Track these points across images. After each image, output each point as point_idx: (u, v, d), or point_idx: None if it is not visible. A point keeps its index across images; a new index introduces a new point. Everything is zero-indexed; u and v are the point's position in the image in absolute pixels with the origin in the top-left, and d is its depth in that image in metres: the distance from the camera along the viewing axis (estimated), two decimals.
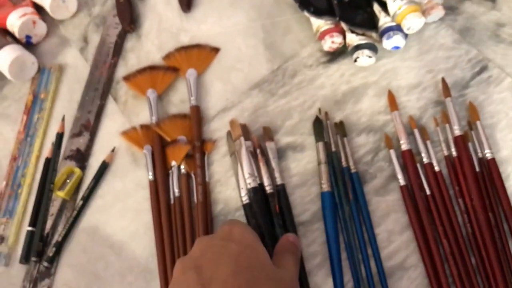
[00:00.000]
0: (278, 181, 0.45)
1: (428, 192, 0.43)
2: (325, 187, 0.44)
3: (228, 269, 0.34)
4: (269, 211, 0.43)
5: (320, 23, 0.49)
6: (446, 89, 0.46)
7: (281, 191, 0.44)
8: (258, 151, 0.45)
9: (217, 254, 0.35)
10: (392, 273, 0.41)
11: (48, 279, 0.46)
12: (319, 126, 0.47)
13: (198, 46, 0.54)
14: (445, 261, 0.41)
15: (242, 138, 0.46)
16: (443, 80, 0.46)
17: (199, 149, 0.48)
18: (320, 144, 0.46)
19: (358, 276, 0.41)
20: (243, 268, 0.34)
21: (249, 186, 0.44)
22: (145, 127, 0.51)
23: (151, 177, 0.48)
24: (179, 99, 0.52)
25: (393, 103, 0.47)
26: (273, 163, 0.45)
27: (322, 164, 0.45)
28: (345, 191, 0.44)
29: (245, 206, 0.44)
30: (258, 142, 0.46)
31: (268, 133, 0.47)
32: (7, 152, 0.53)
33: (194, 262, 0.35)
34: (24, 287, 0.47)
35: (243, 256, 0.35)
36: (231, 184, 0.47)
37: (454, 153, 0.43)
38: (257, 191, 0.44)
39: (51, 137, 0.53)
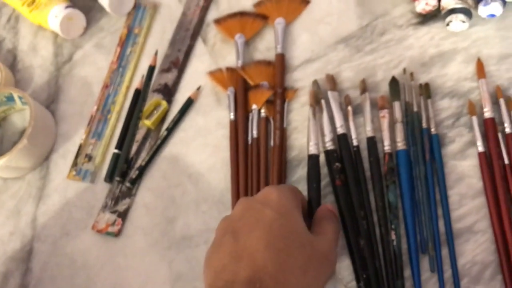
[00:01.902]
0: (369, 133, 0.46)
1: (506, 161, 0.43)
2: (401, 145, 0.45)
3: (260, 237, 0.34)
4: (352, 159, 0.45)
5: None
6: None
7: (371, 144, 0.46)
8: (349, 108, 0.47)
9: (253, 219, 0.36)
10: (459, 235, 0.42)
11: (129, 198, 0.50)
12: (395, 86, 0.47)
13: None
14: None
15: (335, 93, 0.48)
16: None
17: (281, 95, 0.50)
18: (396, 104, 0.46)
19: (426, 233, 0.42)
20: (276, 237, 0.34)
21: (339, 132, 0.45)
22: (230, 70, 0.53)
23: (232, 117, 0.50)
24: (265, 47, 0.54)
25: (481, 70, 0.46)
26: (368, 115, 0.46)
27: (397, 123, 0.46)
28: (422, 151, 0.45)
29: (327, 152, 0.45)
30: (349, 99, 0.48)
31: (364, 85, 0.48)
32: (100, 80, 0.57)
33: (233, 226, 0.36)
34: (106, 203, 0.51)
35: (277, 224, 0.35)
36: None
37: None
38: (346, 138, 0.46)
39: (141, 70, 0.56)
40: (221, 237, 0.36)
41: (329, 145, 0.45)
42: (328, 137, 0.46)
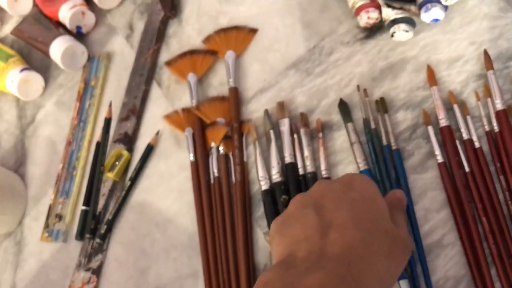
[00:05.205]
0: (309, 168, 0.45)
1: (467, 169, 0.42)
2: (362, 165, 0.44)
3: (348, 216, 0.33)
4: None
5: None
6: (488, 61, 0.44)
7: (311, 180, 0.45)
8: (295, 135, 0.46)
9: (337, 198, 0.34)
10: (429, 251, 0.41)
11: (101, 254, 0.50)
12: (345, 107, 0.47)
13: (236, 28, 0.54)
14: (484, 239, 0.40)
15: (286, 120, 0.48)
16: (485, 52, 0.44)
17: (237, 130, 0.50)
18: (350, 125, 0.46)
19: None
20: (362, 219, 0.33)
21: (288, 161, 0.44)
22: (186, 110, 0.53)
23: (192, 158, 0.50)
24: (219, 82, 0.54)
25: (432, 78, 0.45)
26: (306, 151, 0.46)
27: (354, 144, 0.45)
28: (385, 169, 0.44)
29: (274, 185, 0.45)
30: (296, 126, 0.47)
31: (305, 119, 0.47)
32: (63, 137, 0.57)
33: (315, 201, 0.35)
34: (80, 261, 0.50)
35: (363, 206, 0.34)
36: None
37: (496, 128, 0.42)
38: (295, 167, 0.45)
39: (101, 122, 0.56)
40: (300, 209, 0.34)
41: (276, 178, 0.45)
42: (275, 169, 0.45)
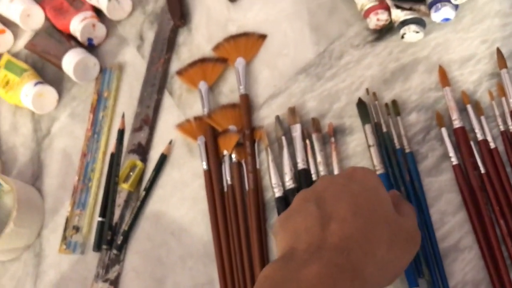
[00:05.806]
0: (323, 174, 0.45)
1: (483, 170, 0.41)
2: (379, 169, 0.44)
3: (348, 207, 0.33)
4: None
5: (363, 1, 0.48)
6: (501, 59, 0.43)
7: None
8: (307, 141, 0.46)
9: (338, 191, 0.35)
10: (445, 255, 0.40)
11: (118, 265, 0.50)
12: (364, 107, 0.46)
13: (245, 34, 0.54)
14: (503, 242, 0.39)
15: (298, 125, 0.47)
16: (498, 50, 0.43)
17: (249, 137, 0.50)
18: (367, 127, 0.45)
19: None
20: (363, 209, 0.34)
21: (300, 167, 0.44)
22: (198, 119, 0.53)
23: (205, 166, 0.50)
24: (229, 89, 0.54)
25: (444, 78, 0.45)
26: (319, 156, 0.45)
27: (372, 146, 0.44)
28: (399, 172, 0.43)
29: (287, 192, 0.45)
30: (307, 132, 0.47)
31: (317, 124, 0.47)
32: (78, 149, 0.58)
33: (316, 195, 0.35)
34: (98, 273, 0.51)
35: (363, 197, 0.34)
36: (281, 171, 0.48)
37: (511, 128, 0.41)
38: (308, 174, 0.45)
39: (115, 133, 0.57)
40: (302, 203, 0.35)
41: (289, 184, 0.44)
42: (288, 175, 0.45)
